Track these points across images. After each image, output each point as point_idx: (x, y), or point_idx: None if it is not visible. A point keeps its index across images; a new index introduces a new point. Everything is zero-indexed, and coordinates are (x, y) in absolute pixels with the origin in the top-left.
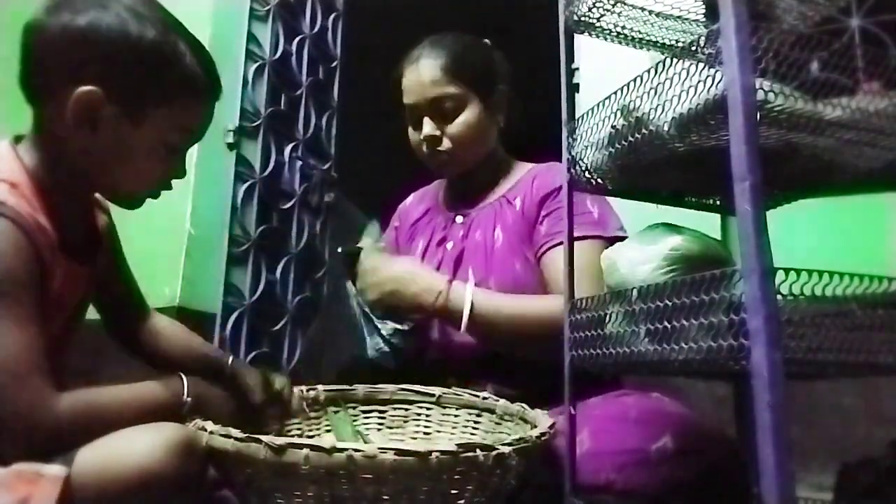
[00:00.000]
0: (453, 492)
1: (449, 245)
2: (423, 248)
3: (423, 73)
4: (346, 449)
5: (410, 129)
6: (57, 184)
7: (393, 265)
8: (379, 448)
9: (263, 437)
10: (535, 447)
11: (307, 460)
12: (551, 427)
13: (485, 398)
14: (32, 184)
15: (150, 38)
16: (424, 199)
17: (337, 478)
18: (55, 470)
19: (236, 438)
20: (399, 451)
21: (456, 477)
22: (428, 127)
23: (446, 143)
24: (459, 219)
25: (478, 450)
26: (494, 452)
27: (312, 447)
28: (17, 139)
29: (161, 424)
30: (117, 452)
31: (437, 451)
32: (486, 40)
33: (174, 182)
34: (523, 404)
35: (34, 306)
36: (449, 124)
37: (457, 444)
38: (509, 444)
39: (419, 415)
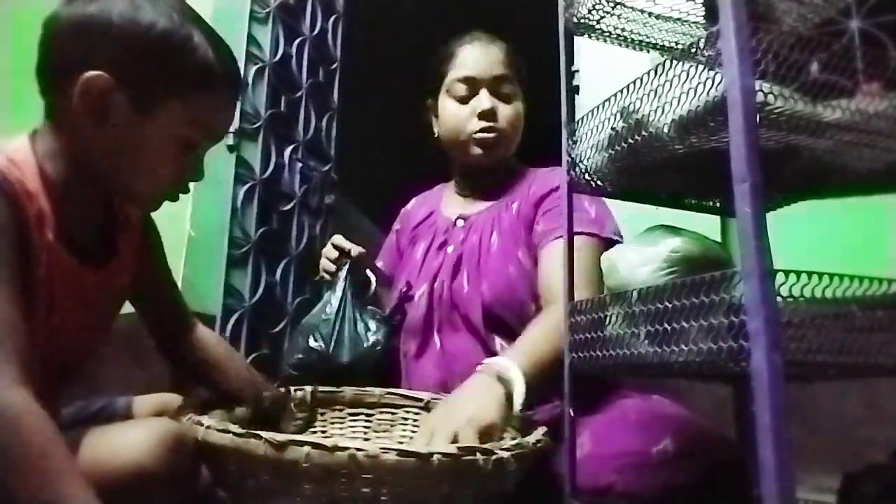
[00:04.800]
0: (448, 494)
1: (449, 249)
2: (424, 251)
3: (491, 49)
4: (348, 448)
5: (453, 105)
6: (66, 177)
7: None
8: (381, 448)
9: (264, 434)
10: (531, 453)
11: (308, 458)
12: (545, 434)
13: None
14: (39, 170)
15: (162, 26)
16: (426, 203)
17: (336, 477)
18: None
19: (235, 434)
20: (401, 452)
21: (454, 480)
22: (488, 101)
23: (502, 122)
24: (460, 222)
25: (478, 453)
26: (494, 457)
27: (314, 445)
28: (34, 133)
29: (152, 419)
30: (110, 446)
31: (438, 452)
32: None
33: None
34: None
35: (7, 277)
36: (505, 105)
37: (457, 447)
38: (508, 450)
39: (406, 419)
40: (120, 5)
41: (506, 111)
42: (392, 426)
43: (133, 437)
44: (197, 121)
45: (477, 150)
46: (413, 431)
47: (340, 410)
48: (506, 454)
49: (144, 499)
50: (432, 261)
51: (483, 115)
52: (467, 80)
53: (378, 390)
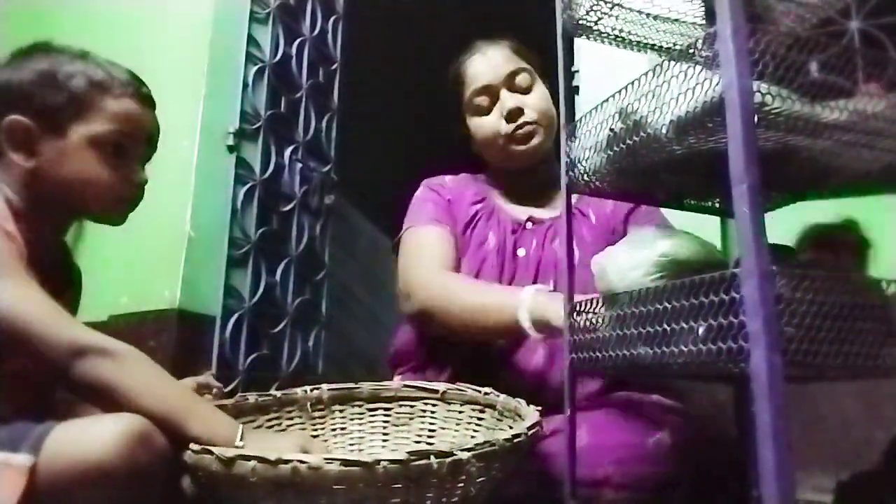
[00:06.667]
0: (411, 501)
1: (520, 252)
2: (496, 247)
3: (494, 54)
4: (290, 460)
5: (478, 121)
6: (25, 205)
7: None
8: (325, 458)
9: (215, 449)
10: (503, 450)
11: (255, 472)
12: (530, 428)
13: (486, 393)
14: (6, 200)
15: (45, 69)
16: (471, 185)
17: (286, 489)
18: (21, 459)
19: (192, 451)
20: (345, 462)
21: (410, 486)
22: (511, 100)
23: (530, 113)
24: (530, 225)
25: (432, 457)
26: (450, 459)
27: (260, 459)
28: None
29: (121, 415)
30: (76, 441)
31: (385, 459)
32: None
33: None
34: (520, 400)
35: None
36: (527, 96)
37: (408, 452)
38: (469, 450)
39: (424, 411)
40: (14, 72)
41: (531, 100)
42: (411, 419)
43: (97, 431)
44: (110, 120)
45: (518, 148)
46: (432, 424)
47: (360, 406)
48: (465, 455)
49: (107, 494)
50: (508, 262)
51: (510, 116)
52: (484, 91)
53: (395, 384)
